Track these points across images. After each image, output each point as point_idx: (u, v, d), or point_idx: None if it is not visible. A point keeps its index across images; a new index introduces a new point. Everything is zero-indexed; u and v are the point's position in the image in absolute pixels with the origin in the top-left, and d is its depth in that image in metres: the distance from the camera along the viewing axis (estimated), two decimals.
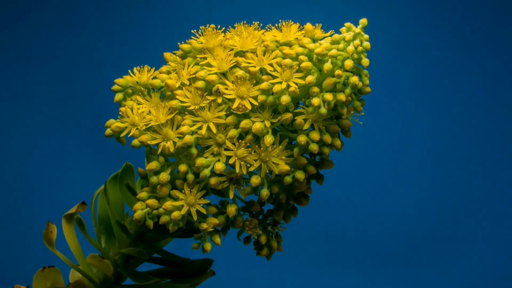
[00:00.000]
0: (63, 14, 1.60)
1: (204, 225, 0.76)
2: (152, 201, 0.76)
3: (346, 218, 1.60)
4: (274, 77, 0.75)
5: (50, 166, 1.55)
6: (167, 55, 0.83)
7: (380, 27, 1.62)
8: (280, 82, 0.75)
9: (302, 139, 0.74)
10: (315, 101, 0.74)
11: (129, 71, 0.83)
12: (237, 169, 0.74)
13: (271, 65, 0.76)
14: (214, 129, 0.75)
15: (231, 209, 0.77)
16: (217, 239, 0.77)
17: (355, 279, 1.57)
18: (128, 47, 1.59)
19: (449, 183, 1.62)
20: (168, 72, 0.81)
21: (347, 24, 0.77)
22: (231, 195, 0.76)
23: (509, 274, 1.57)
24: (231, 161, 0.74)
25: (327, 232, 1.59)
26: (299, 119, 0.75)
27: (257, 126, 0.74)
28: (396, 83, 1.64)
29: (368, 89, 0.77)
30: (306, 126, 0.75)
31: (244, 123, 0.74)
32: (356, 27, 0.77)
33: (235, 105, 0.75)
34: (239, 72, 0.76)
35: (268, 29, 0.82)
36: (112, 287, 0.86)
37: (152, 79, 0.82)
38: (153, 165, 0.77)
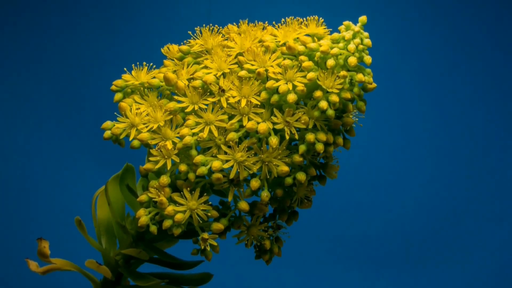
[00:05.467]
0: (63, 14, 1.59)
1: (205, 235, 0.76)
2: (163, 198, 0.75)
3: (346, 218, 1.60)
4: (277, 79, 0.75)
5: (50, 167, 1.55)
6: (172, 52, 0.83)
7: (380, 25, 1.61)
8: (286, 83, 0.74)
9: (310, 137, 0.74)
10: (323, 104, 0.73)
11: (125, 69, 0.83)
12: (232, 174, 0.74)
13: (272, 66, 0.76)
14: (215, 132, 0.75)
15: (243, 205, 0.76)
16: (216, 248, 0.77)
17: (355, 279, 1.57)
18: (128, 47, 1.59)
19: (450, 182, 1.62)
20: None
21: (346, 22, 0.77)
22: (230, 197, 0.76)
23: (510, 274, 1.57)
24: (228, 165, 0.74)
25: (327, 231, 1.59)
26: (304, 118, 0.74)
27: (263, 126, 0.74)
28: (395, 82, 1.64)
29: (372, 85, 0.77)
30: (311, 125, 0.75)
31: (251, 124, 0.74)
32: (355, 25, 0.76)
33: (242, 104, 0.74)
34: (242, 72, 0.76)
35: (272, 25, 0.81)
36: (113, 287, 0.86)
37: (152, 79, 0.81)
38: (150, 164, 0.76)
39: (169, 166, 0.75)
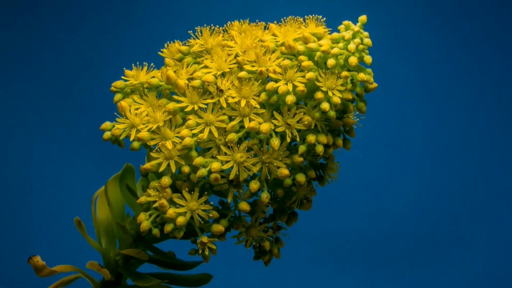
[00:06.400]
0: (63, 14, 1.60)
1: (205, 239, 0.76)
2: (164, 201, 0.75)
3: (346, 218, 1.60)
4: (277, 79, 0.75)
5: (50, 167, 1.55)
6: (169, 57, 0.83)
7: (380, 25, 1.61)
8: (286, 84, 0.74)
9: (311, 138, 0.74)
10: (325, 106, 0.73)
11: (125, 69, 0.83)
12: (232, 175, 0.74)
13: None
14: (215, 133, 0.74)
15: (243, 206, 0.76)
16: (214, 250, 0.77)
17: (355, 279, 1.57)
18: (128, 47, 1.59)
19: (449, 183, 1.62)
20: None
21: (345, 22, 0.77)
22: (230, 198, 0.75)
23: (509, 274, 1.57)
24: (227, 166, 0.73)
25: (327, 232, 1.59)
26: (307, 118, 0.74)
27: (266, 126, 0.73)
28: (395, 82, 1.64)
29: (373, 85, 0.77)
30: (313, 126, 0.74)
31: (254, 123, 0.73)
32: (355, 24, 0.76)
33: (242, 105, 0.74)
34: (242, 73, 0.75)
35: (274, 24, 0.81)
36: (113, 287, 0.86)
37: (151, 78, 0.81)
38: (149, 165, 0.76)
39: (173, 168, 0.74)
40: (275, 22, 0.82)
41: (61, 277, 0.86)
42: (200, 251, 0.76)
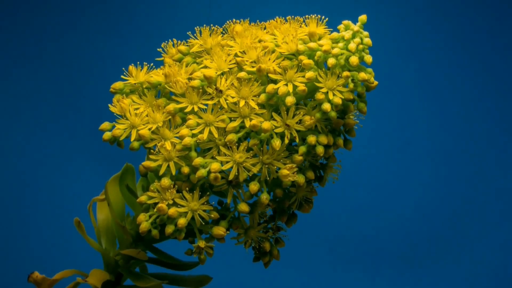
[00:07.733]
0: (63, 14, 1.59)
1: (201, 244, 0.75)
2: (163, 205, 0.74)
3: (346, 218, 1.60)
4: (277, 80, 0.74)
5: (49, 167, 1.55)
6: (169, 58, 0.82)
7: (381, 25, 1.61)
8: (286, 84, 0.74)
9: (312, 139, 0.74)
10: (327, 106, 0.73)
11: (124, 69, 0.83)
12: (231, 176, 0.73)
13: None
14: (215, 133, 0.74)
15: (243, 207, 0.76)
16: (210, 253, 0.77)
17: (355, 280, 1.57)
18: (128, 47, 1.59)
19: (450, 183, 1.62)
20: None
21: (345, 22, 0.77)
22: (229, 199, 0.75)
23: (509, 274, 1.57)
24: (227, 167, 0.73)
25: (327, 232, 1.59)
26: (308, 119, 0.74)
27: (267, 125, 0.73)
28: (396, 82, 1.63)
29: (374, 84, 0.76)
30: (313, 126, 0.74)
31: (256, 122, 0.73)
32: (355, 24, 0.76)
33: (241, 105, 0.74)
34: (241, 74, 0.75)
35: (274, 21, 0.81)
36: (113, 287, 0.86)
37: (150, 77, 0.81)
38: (148, 162, 0.76)
39: (173, 169, 0.74)
40: (276, 17, 0.81)
41: (62, 282, 0.86)
42: (195, 255, 0.76)
